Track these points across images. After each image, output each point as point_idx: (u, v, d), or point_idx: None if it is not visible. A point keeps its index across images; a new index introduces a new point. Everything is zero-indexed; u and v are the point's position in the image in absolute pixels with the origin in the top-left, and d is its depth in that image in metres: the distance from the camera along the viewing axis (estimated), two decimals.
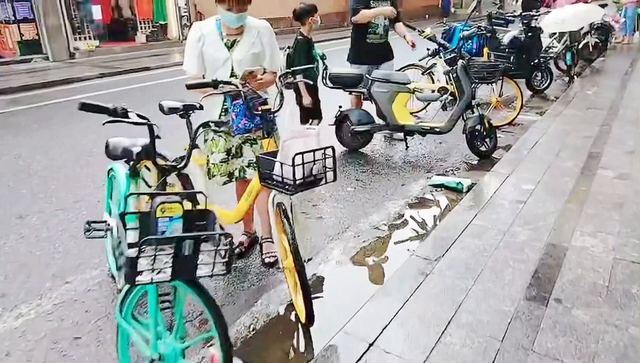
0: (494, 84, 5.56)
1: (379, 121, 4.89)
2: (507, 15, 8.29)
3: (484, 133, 4.68)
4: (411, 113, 6.40)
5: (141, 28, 14.74)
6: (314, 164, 2.20)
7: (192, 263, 1.58)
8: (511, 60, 5.64)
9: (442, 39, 7.12)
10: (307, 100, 4.35)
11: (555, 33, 8.68)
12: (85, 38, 13.48)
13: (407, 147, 5.10)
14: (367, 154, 4.94)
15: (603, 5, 11.46)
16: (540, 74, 7.51)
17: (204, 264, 1.60)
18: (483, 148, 4.74)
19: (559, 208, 3.26)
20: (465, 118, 4.70)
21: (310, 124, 4.58)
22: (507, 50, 6.50)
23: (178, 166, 2.11)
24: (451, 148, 5.08)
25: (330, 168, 2.27)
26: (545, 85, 7.58)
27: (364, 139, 4.98)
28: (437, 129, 4.71)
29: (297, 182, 2.14)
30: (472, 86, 4.65)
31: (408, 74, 6.36)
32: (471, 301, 2.30)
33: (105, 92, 8.26)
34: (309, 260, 2.41)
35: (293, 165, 2.08)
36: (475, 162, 4.68)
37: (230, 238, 1.62)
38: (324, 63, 4.76)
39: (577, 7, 8.34)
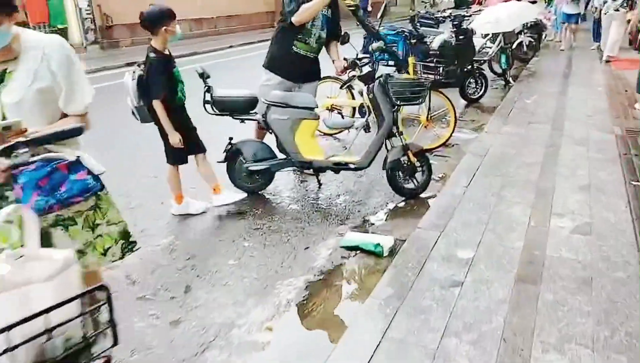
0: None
1: (280, 155, 3.84)
2: (435, 15, 7.48)
3: (410, 167, 3.74)
4: (329, 134, 5.44)
5: None
6: (50, 337, 1.11)
7: None
8: (441, 70, 4.78)
9: (364, 44, 6.20)
10: (173, 138, 3.22)
11: (488, 34, 8.03)
12: None
13: (320, 185, 4.07)
14: (267, 199, 3.86)
15: (533, 2, 11.05)
16: (474, 81, 6.75)
17: None
18: (411, 186, 3.80)
19: (508, 294, 2.33)
20: (387, 149, 3.75)
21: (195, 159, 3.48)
22: (435, 59, 5.64)
23: None
24: (374, 183, 4.10)
25: (100, 329, 1.20)
26: (480, 93, 6.84)
27: (263, 178, 3.90)
28: (353, 166, 3.71)
29: None
30: (394, 110, 3.69)
31: (325, 88, 5.41)
32: None
33: None
34: None
35: None
36: (403, 204, 3.73)
37: None
38: (205, 83, 3.65)
39: (510, 6, 7.69)
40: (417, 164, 3.79)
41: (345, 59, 4.58)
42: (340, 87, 5.31)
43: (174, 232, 3.31)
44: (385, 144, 3.74)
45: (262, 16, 21.00)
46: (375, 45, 3.73)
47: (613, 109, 5.69)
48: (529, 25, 9.88)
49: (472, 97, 6.81)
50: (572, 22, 10.30)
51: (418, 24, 8.20)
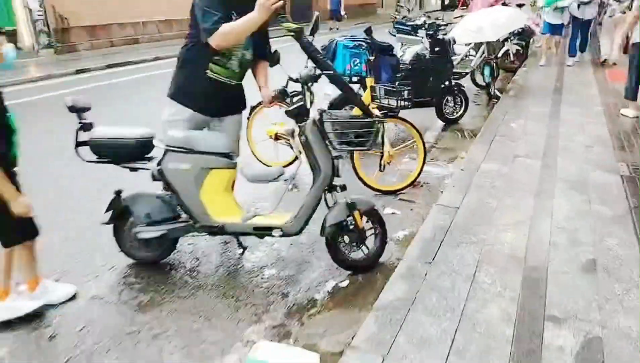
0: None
1: (184, 216, 2.86)
2: (409, 22, 6.48)
3: (358, 232, 2.80)
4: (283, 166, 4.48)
5: None
6: None
7: None
8: (406, 95, 3.84)
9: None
10: (20, 205, 2.22)
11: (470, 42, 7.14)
12: None
13: (243, 250, 3.11)
14: (164, 276, 2.86)
15: (520, 5, 10.15)
16: (452, 99, 5.84)
17: None
18: (358, 256, 2.86)
19: None
20: (327, 205, 2.80)
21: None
22: (399, 81, 4.70)
23: None
24: (315, 246, 3.14)
25: None
26: (460, 113, 5.93)
27: (161, 246, 2.93)
28: (277, 234, 2.75)
29: None
30: (335, 157, 2.74)
31: (262, 115, 4.48)
32: None
33: None
34: None
35: None
36: (347, 282, 2.78)
37: None
38: (79, 118, 2.68)
39: (495, 13, 6.79)
40: (367, 226, 2.86)
41: (290, 78, 3.65)
42: (286, 114, 4.38)
43: (8, 342, 2.31)
44: (326, 200, 2.80)
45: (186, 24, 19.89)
46: (304, 72, 2.75)
47: (615, 137, 4.80)
48: (515, 31, 9.01)
49: (451, 117, 5.90)
50: (558, 33, 9.10)
51: (394, 31, 7.29)
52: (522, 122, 5.39)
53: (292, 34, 2.71)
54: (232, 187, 2.97)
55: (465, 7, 11.07)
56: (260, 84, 3.10)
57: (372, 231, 2.88)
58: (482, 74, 7.18)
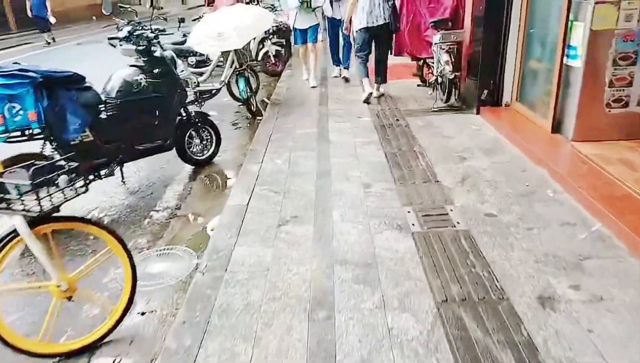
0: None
1: None
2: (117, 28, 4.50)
3: None
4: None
5: None
6: None
7: None
8: (77, 179, 2.14)
9: None
10: None
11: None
12: None
13: None
14: None
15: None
16: (196, 133, 4.33)
17: None
18: None
19: None
20: None
21: None
22: (107, 122, 2.97)
23: None
24: None
25: None
26: (211, 149, 4.47)
27: None
28: None
29: None
30: None
31: None
32: None
33: None
34: None
35: None
36: None
37: None
38: None
39: (238, 14, 5.47)
40: None
41: None
42: None
43: None
44: None
45: (80, 11, 20.35)
46: None
47: (392, 160, 3.95)
48: (272, 30, 7.97)
49: (200, 158, 4.40)
50: (312, 41, 6.79)
51: (120, 42, 5.34)
52: (288, 155, 4.18)
53: None
54: None
55: (212, 5, 9.66)
56: None
57: None
58: (238, 88, 5.88)
